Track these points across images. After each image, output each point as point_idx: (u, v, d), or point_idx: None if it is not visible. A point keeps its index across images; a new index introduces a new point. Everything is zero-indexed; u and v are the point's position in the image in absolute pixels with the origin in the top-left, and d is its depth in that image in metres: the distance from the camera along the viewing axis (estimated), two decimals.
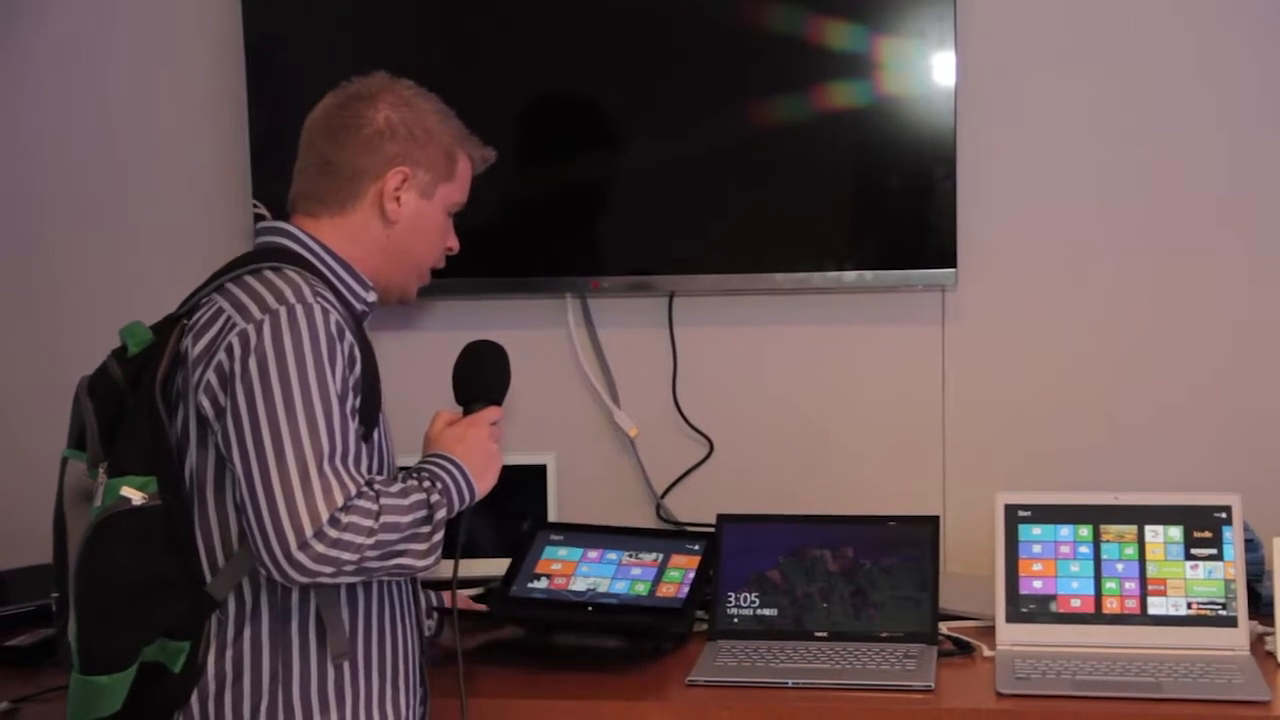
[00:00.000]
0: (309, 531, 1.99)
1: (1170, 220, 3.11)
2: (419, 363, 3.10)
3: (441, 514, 2.14)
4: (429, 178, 2.27)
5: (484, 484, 2.26)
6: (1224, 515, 2.66)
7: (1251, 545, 2.75)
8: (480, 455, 2.26)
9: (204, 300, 2.15)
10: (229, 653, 2.12)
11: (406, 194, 2.26)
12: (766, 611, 2.74)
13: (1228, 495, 2.68)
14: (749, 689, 2.51)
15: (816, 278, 3.13)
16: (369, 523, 2.03)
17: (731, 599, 2.75)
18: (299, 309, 2.08)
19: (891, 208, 3.14)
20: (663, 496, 3.24)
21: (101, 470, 2.12)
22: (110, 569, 2.07)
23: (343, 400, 2.08)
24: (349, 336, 2.11)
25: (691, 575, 2.73)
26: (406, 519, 2.08)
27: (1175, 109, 3.09)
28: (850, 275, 3.12)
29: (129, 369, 2.16)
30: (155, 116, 3.38)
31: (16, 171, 3.44)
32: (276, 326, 2.06)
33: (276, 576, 2.03)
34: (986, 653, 2.64)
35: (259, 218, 2.30)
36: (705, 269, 3.16)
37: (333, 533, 2.00)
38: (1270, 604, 2.64)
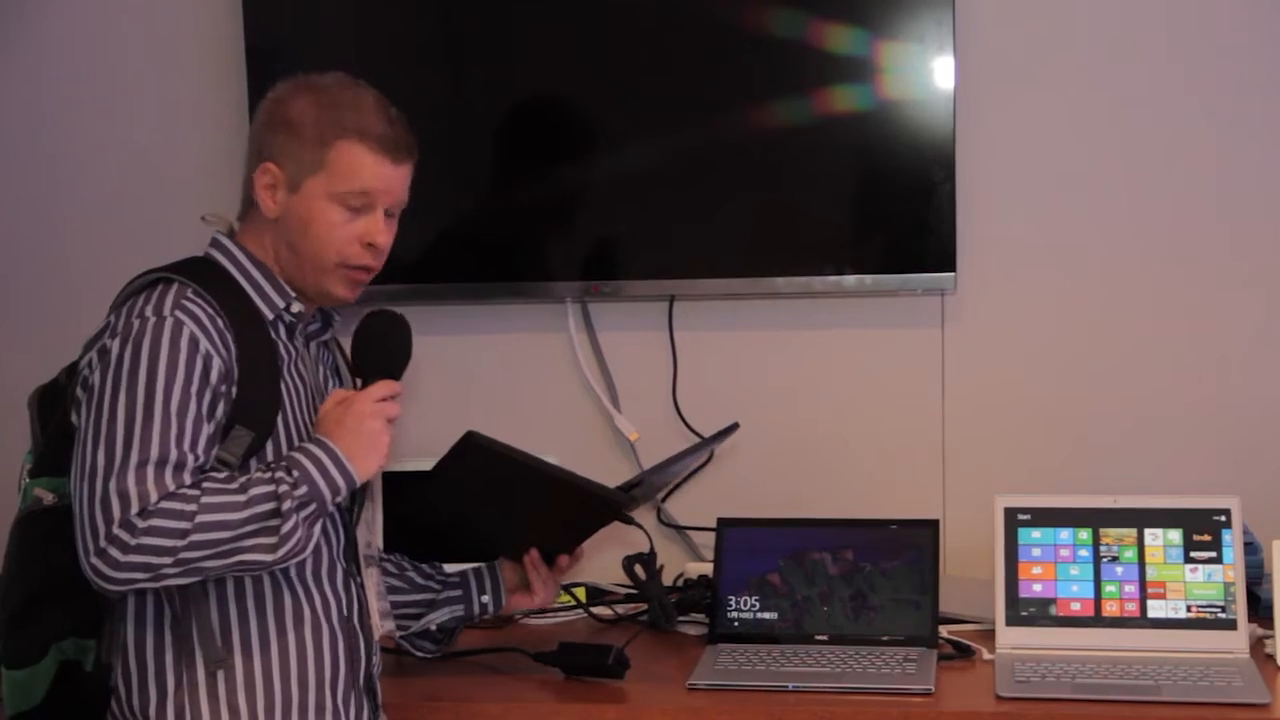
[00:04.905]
0: (102, 539, 1.99)
1: (1168, 224, 3.11)
2: (421, 368, 3.10)
3: (290, 504, 2.05)
4: (295, 169, 2.17)
5: (364, 466, 2.13)
6: (1223, 518, 2.67)
7: (1251, 548, 2.76)
8: (361, 437, 2.13)
9: (112, 312, 2.18)
10: (133, 655, 2.15)
11: (280, 190, 2.18)
12: (767, 615, 2.75)
13: (1227, 498, 2.68)
14: (749, 692, 2.51)
15: (816, 282, 3.14)
16: (181, 524, 2.00)
17: (732, 602, 2.76)
18: (150, 322, 2.08)
19: (891, 212, 3.14)
20: (663, 500, 3.25)
21: (25, 471, 2.19)
22: (21, 566, 2.15)
23: (181, 411, 2.05)
24: (204, 347, 2.08)
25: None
26: (241, 515, 2.03)
27: (1172, 113, 3.10)
28: (850, 279, 3.12)
29: (69, 376, 2.22)
30: (155, 127, 3.37)
31: (17, 182, 3.43)
32: (125, 341, 2.08)
33: (94, 585, 2.03)
34: (986, 656, 2.65)
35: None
36: (706, 273, 3.16)
37: (128, 538, 1.99)
38: (1270, 607, 2.64)
